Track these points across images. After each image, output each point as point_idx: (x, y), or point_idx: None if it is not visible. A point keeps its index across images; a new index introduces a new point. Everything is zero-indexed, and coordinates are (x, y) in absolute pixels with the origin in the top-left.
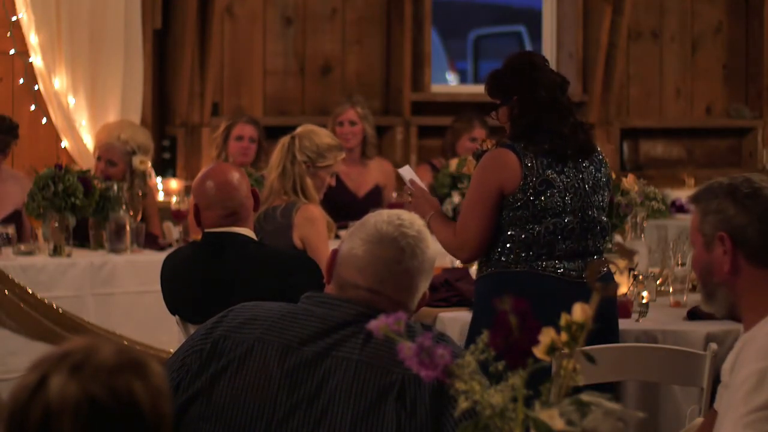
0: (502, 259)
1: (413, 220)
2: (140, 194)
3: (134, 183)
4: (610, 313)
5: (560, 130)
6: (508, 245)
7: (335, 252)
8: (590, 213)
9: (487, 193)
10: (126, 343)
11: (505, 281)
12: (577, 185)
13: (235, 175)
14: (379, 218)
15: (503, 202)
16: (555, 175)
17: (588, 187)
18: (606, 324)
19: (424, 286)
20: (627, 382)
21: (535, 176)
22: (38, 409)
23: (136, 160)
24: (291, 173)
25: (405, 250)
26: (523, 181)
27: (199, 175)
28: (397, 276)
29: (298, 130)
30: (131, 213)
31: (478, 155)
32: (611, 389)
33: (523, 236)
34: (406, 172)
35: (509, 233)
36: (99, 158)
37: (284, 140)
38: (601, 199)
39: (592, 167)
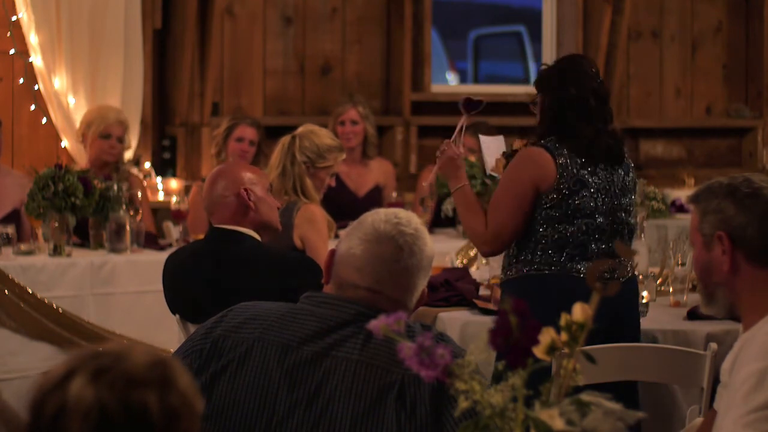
0: (535, 260)
1: (411, 219)
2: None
3: (122, 171)
4: (629, 315)
5: (582, 132)
6: (540, 246)
7: (333, 252)
8: (620, 215)
9: (523, 190)
10: (150, 349)
11: (539, 284)
12: (607, 187)
13: (247, 175)
14: (377, 217)
15: (536, 201)
16: (588, 176)
17: (617, 189)
18: (628, 325)
19: (422, 284)
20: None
21: (569, 175)
22: (55, 403)
23: (127, 138)
24: (291, 173)
25: (403, 249)
26: (558, 179)
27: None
28: (395, 274)
29: (299, 130)
30: (131, 213)
31: (508, 155)
32: (634, 390)
33: (555, 236)
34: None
35: (541, 233)
36: (107, 136)
37: (284, 140)
38: (629, 201)
39: (621, 170)
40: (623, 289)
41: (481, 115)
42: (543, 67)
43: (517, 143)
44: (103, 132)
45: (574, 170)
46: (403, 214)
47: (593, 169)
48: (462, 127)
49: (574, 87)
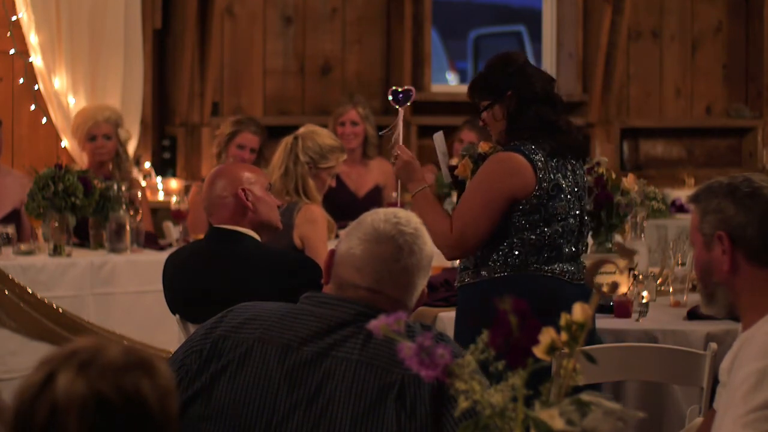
0: (508, 261)
1: (410, 218)
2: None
3: (123, 160)
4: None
5: (559, 124)
6: (515, 248)
7: (333, 252)
8: (584, 215)
9: (496, 199)
10: (126, 342)
11: (516, 285)
12: (575, 189)
13: (245, 175)
14: (376, 217)
15: (512, 207)
16: (562, 178)
17: (582, 190)
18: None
19: (422, 284)
20: (627, 382)
21: (547, 181)
22: (45, 406)
23: (122, 132)
24: (293, 174)
25: (403, 248)
26: (537, 186)
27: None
28: (395, 274)
29: (301, 130)
30: (131, 213)
31: (476, 158)
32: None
33: (533, 238)
34: (439, 140)
35: (517, 236)
36: (93, 138)
37: (287, 140)
38: (587, 200)
39: (580, 170)
40: (576, 292)
41: (473, 118)
42: (482, 73)
43: (483, 146)
44: (88, 134)
45: (551, 175)
46: (402, 213)
47: (565, 171)
48: (399, 123)
49: (537, 81)
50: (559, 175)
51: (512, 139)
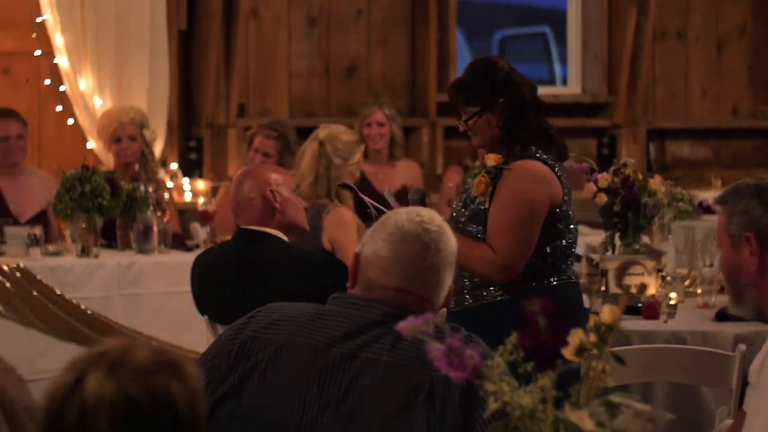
0: (544, 272)
1: (432, 216)
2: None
3: (149, 161)
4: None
5: (551, 131)
6: (549, 257)
7: (357, 255)
8: None
9: (539, 212)
10: (154, 343)
11: (550, 295)
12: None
13: (273, 176)
14: (399, 217)
15: (548, 217)
16: (566, 181)
17: None
18: None
19: (449, 281)
20: (656, 384)
21: (565, 186)
22: (74, 408)
23: (147, 133)
24: (325, 178)
25: (429, 246)
26: (564, 191)
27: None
28: (422, 272)
29: (321, 134)
30: (158, 214)
31: (494, 173)
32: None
33: (564, 245)
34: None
35: (551, 246)
36: (118, 139)
37: (311, 148)
38: None
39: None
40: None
41: None
42: (470, 79)
43: (492, 158)
44: (112, 136)
45: (564, 179)
46: (424, 212)
47: (564, 173)
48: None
49: (527, 90)
50: (564, 177)
51: (509, 147)
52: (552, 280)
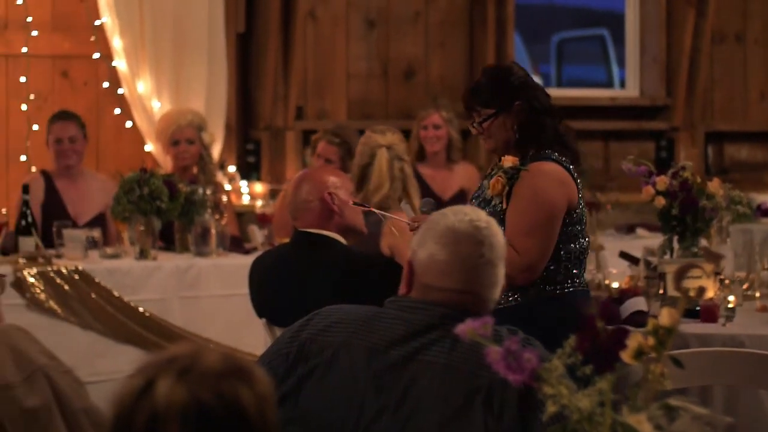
0: (558, 278)
1: (478, 213)
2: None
3: (207, 163)
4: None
5: (567, 135)
6: (564, 262)
7: (410, 263)
8: None
9: (558, 212)
10: (212, 346)
11: (567, 302)
12: None
13: (331, 179)
14: (447, 219)
15: (565, 218)
16: (580, 185)
17: None
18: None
19: (503, 275)
20: (714, 387)
21: (580, 189)
22: (144, 413)
23: (205, 135)
24: (400, 179)
25: (483, 243)
26: (579, 193)
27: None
28: (481, 269)
29: (381, 141)
30: (216, 216)
31: (511, 174)
32: None
33: (578, 249)
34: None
35: (565, 249)
36: (176, 142)
37: (382, 156)
38: None
39: None
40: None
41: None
42: (488, 82)
43: (509, 160)
44: (170, 139)
45: (579, 182)
46: (469, 210)
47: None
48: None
49: (542, 94)
50: (578, 180)
51: (523, 150)
52: (566, 286)
